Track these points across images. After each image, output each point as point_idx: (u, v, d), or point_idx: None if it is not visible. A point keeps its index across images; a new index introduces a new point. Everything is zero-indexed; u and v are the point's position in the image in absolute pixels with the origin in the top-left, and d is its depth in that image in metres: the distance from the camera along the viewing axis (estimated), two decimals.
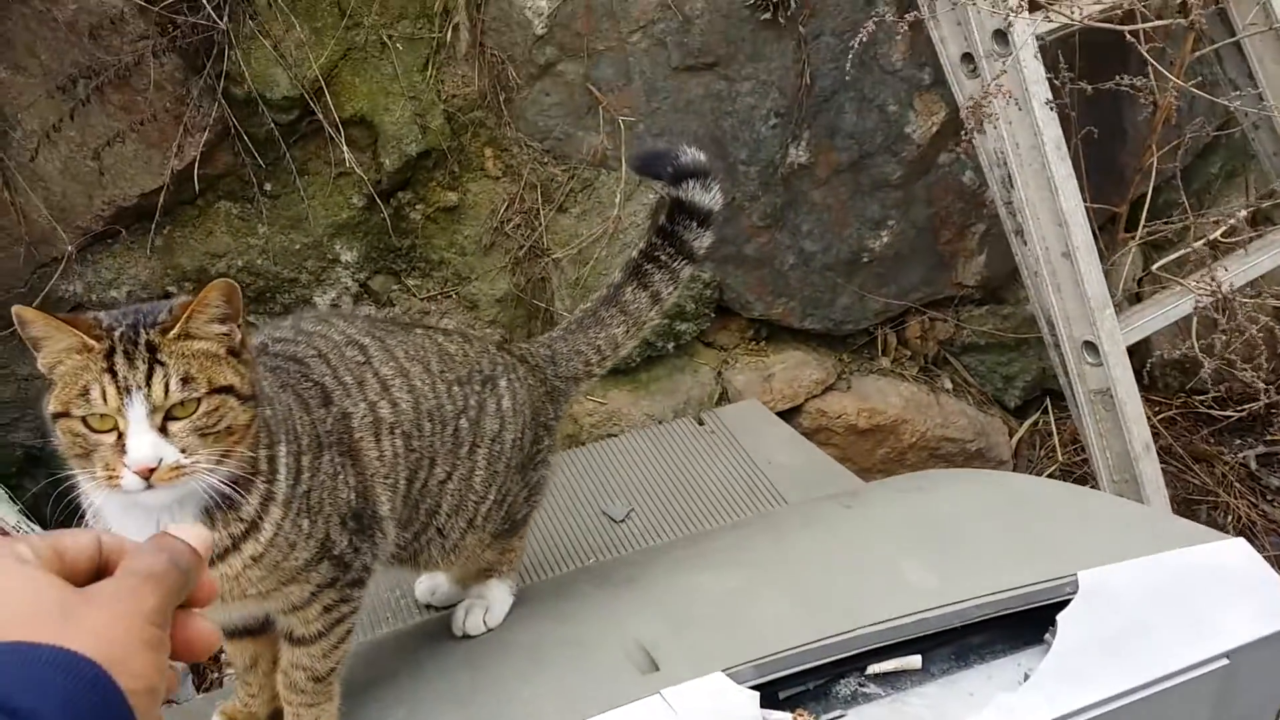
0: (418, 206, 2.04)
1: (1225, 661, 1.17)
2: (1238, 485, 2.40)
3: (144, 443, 0.90)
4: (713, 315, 2.25)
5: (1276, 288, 2.29)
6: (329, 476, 1.07)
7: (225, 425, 0.94)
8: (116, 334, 0.92)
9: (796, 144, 2.12)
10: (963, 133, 1.85)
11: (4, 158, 1.89)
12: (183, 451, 0.92)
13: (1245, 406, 2.50)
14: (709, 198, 1.40)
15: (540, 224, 2.09)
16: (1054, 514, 1.39)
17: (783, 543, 1.42)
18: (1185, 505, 2.40)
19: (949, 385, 2.44)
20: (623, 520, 1.59)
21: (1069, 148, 1.82)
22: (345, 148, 1.94)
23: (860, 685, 1.18)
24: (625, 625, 1.25)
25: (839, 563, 1.33)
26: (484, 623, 1.30)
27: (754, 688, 1.13)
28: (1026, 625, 1.20)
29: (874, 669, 1.18)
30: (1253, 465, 2.44)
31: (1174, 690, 1.15)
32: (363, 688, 1.21)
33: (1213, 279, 1.89)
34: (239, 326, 0.97)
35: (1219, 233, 1.99)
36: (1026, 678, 1.16)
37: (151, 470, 0.90)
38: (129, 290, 2.01)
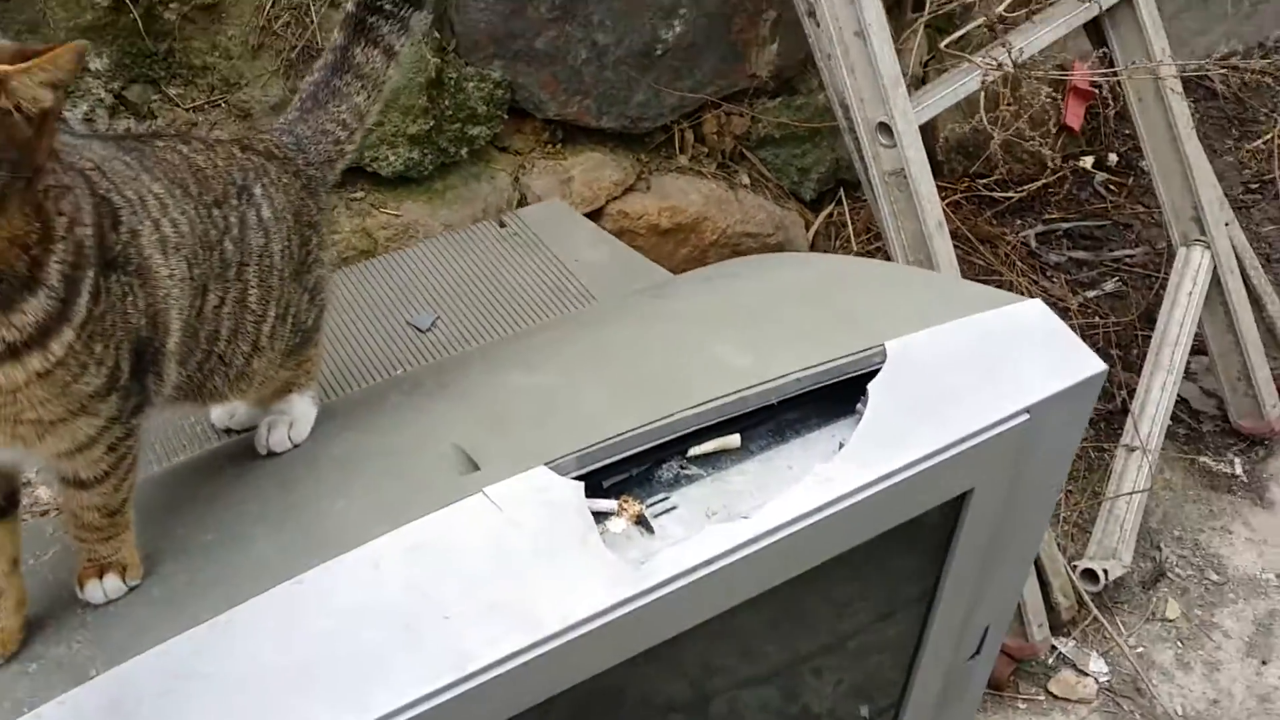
0: (171, 5, 1.86)
1: (1026, 417, 1.21)
2: (1019, 264, 2.51)
3: None
4: (505, 117, 2.16)
5: (1055, 60, 2.35)
6: (118, 299, 0.97)
7: None
8: None
9: None
10: None
11: None
12: None
13: (1025, 188, 2.60)
14: None
15: (312, 21, 1.94)
16: (860, 288, 1.41)
17: (596, 337, 1.39)
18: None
19: (746, 180, 2.43)
20: (429, 329, 1.53)
21: None
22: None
23: (682, 468, 1.18)
24: (441, 430, 1.21)
25: (653, 352, 1.32)
26: (289, 438, 1.23)
27: (578, 478, 1.11)
28: (839, 397, 1.21)
29: (694, 451, 1.18)
30: (1033, 244, 2.55)
31: (980, 447, 1.20)
32: (164, 516, 1.14)
33: (998, 53, 1.91)
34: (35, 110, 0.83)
35: (1002, 7, 2.00)
36: (841, 447, 1.18)
37: None
38: None
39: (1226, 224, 2.21)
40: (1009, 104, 2.45)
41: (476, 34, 2.06)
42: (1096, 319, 2.41)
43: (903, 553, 1.32)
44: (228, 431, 1.39)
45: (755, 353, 1.24)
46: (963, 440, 1.18)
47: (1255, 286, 2.26)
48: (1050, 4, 2.12)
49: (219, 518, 1.14)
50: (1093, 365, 1.25)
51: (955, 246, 2.51)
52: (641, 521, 1.12)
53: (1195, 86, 2.93)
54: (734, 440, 1.19)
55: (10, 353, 0.88)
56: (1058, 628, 1.98)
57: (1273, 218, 2.68)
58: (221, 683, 0.97)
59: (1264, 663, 1.99)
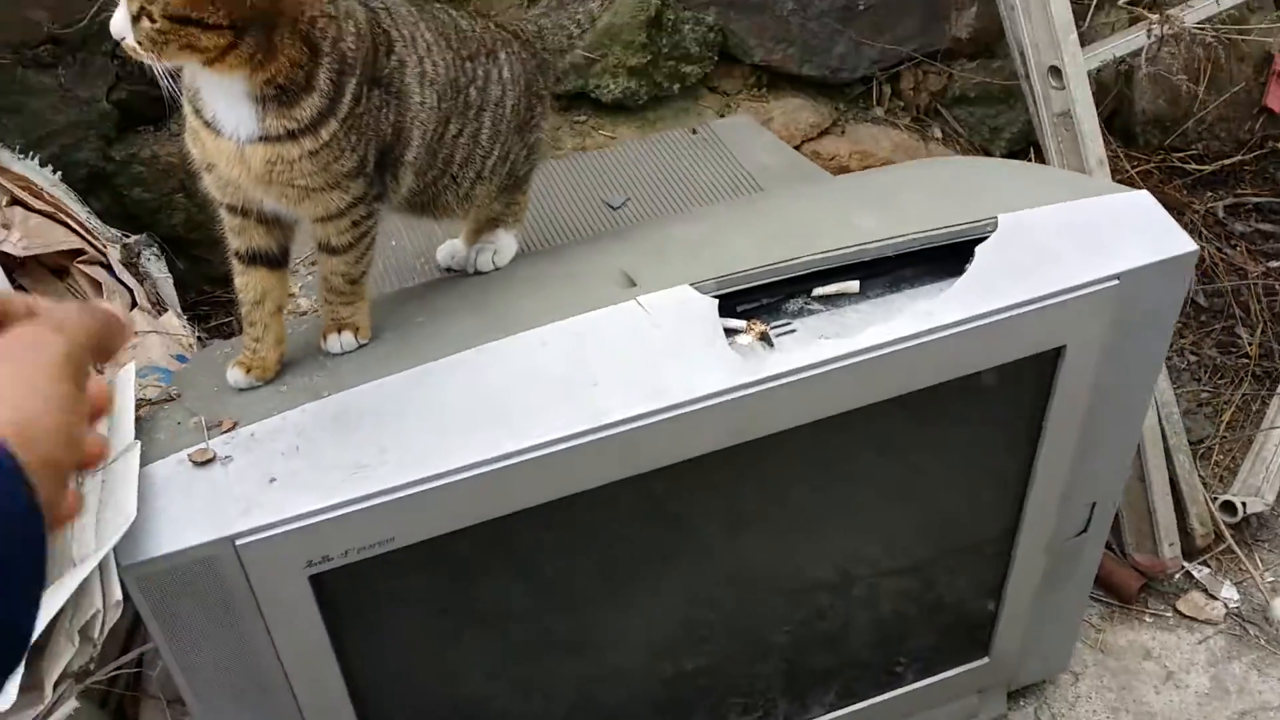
0: None
1: (1116, 282, 1.37)
2: (1204, 231, 2.57)
3: (117, 16, 1.10)
4: (715, 59, 2.41)
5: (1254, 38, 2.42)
6: (376, 108, 1.25)
7: (185, 44, 1.10)
8: None
9: None
10: None
11: None
12: (139, 43, 1.09)
13: (1219, 162, 2.66)
14: None
15: None
16: (990, 177, 1.58)
17: (753, 207, 1.63)
18: None
19: (939, 134, 2.60)
20: (619, 207, 1.79)
21: None
22: None
23: (806, 304, 1.39)
24: (611, 261, 1.46)
25: (796, 216, 1.54)
26: (492, 262, 1.51)
27: (715, 298, 1.35)
28: (951, 259, 1.40)
29: (818, 290, 1.39)
30: (1220, 214, 2.61)
31: (1071, 304, 1.36)
32: (392, 309, 1.43)
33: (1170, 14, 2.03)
34: None
35: None
36: None
37: (123, 37, 1.10)
38: None
39: None
40: (1207, 78, 2.55)
41: None
42: (1276, 286, 2.46)
43: (1002, 408, 1.49)
44: (448, 270, 1.69)
45: (882, 218, 1.44)
46: (1054, 295, 1.35)
47: None
48: None
49: (432, 309, 1.44)
50: (1184, 245, 1.39)
51: None
52: (764, 338, 1.34)
53: None
54: (853, 285, 1.40)
55: (290, 136, 1.19)
56: (1192, 554, 2.07)
57: None
58: (418, 409, 1.26)
59: None
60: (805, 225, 1.48)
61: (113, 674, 1.45)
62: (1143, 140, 2.73)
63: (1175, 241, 1.40)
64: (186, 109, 1.23)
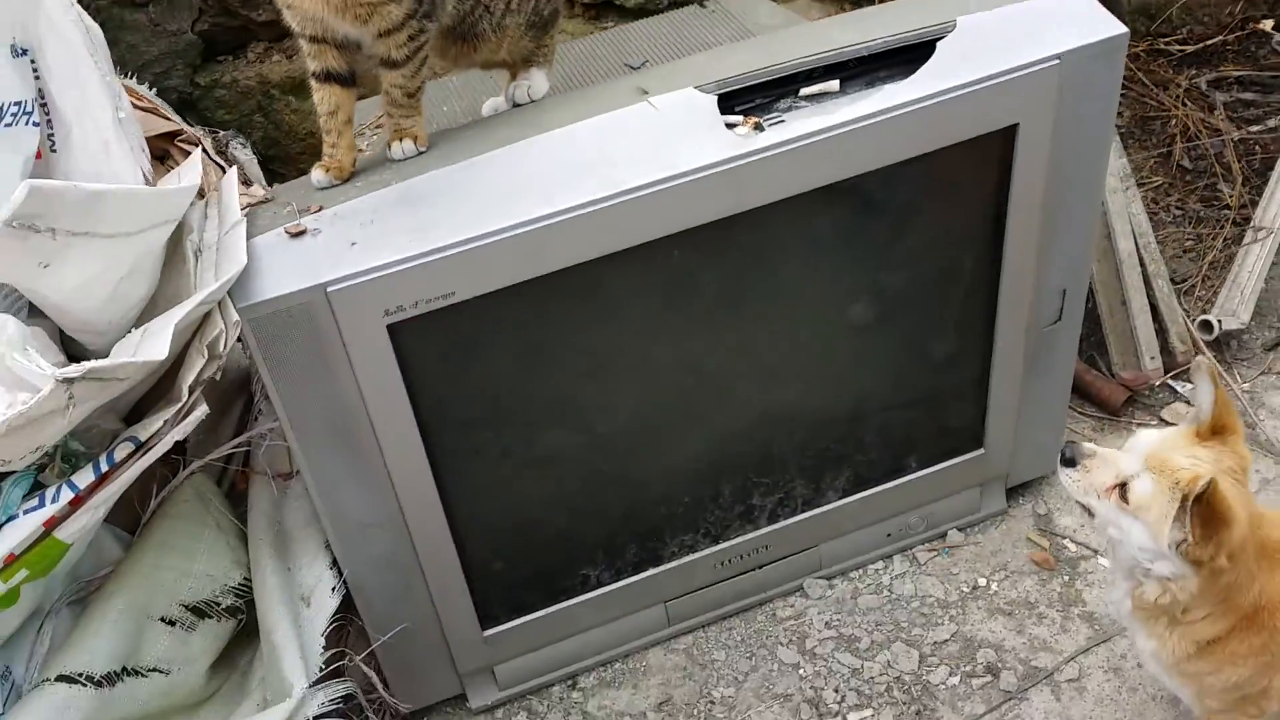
0: None
1: (1057, 61, 1.60)
2: (1189, 103, 2.78)
3: None
4: None
5: None
6: None
7: None
8: None
9: None
10: None
11: None
12: None
13: (1203, 43, 2.88)
14: None
15: None
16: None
17: (749, 40, 1.88)
18: (1142, 121, 2.79)
19: None
20: (639, 67, 2.04)
21: None
22: None
23: (794, 102, 1.63)
24: (628, 82, 1.71)
25: (786, 39, 1.79)
26: (528, 94, 1.77)
27: (716, 96, 1.60)
28: (918, 57, 1.64)
29: (804, 91, 1.63)
30: (1203, 87, 2.82)
31: (1019, 81, 1.60)
32: (444, 138, 1.69)
33: None
34: None
35: None
36: None
37: None
38: None
39: None
40: None
41: None
42: (1256, 148, 2.67)
43: (970, 187, 1.72)
44: None
45: (858, 31, 1.68)
46: (1004, 74, 1.59)
47: None
48: None
49: (480, 125, 1.71)
50: (1115, 28, 1.62)
51: (1130, 89, 2.82)
52: (758, 127, 1.59)
53: None
54: (834, 84, 1.64)
55: None
56: (1175, 372, 2.28)
57: None
58: (468, 189, 1.52)
59: None
60: (793, 43, 1.72)
61: (227, 455, 1.72)
62: (1131, 28, 2.93)
63: (1108, 26, 1.63)
64: None
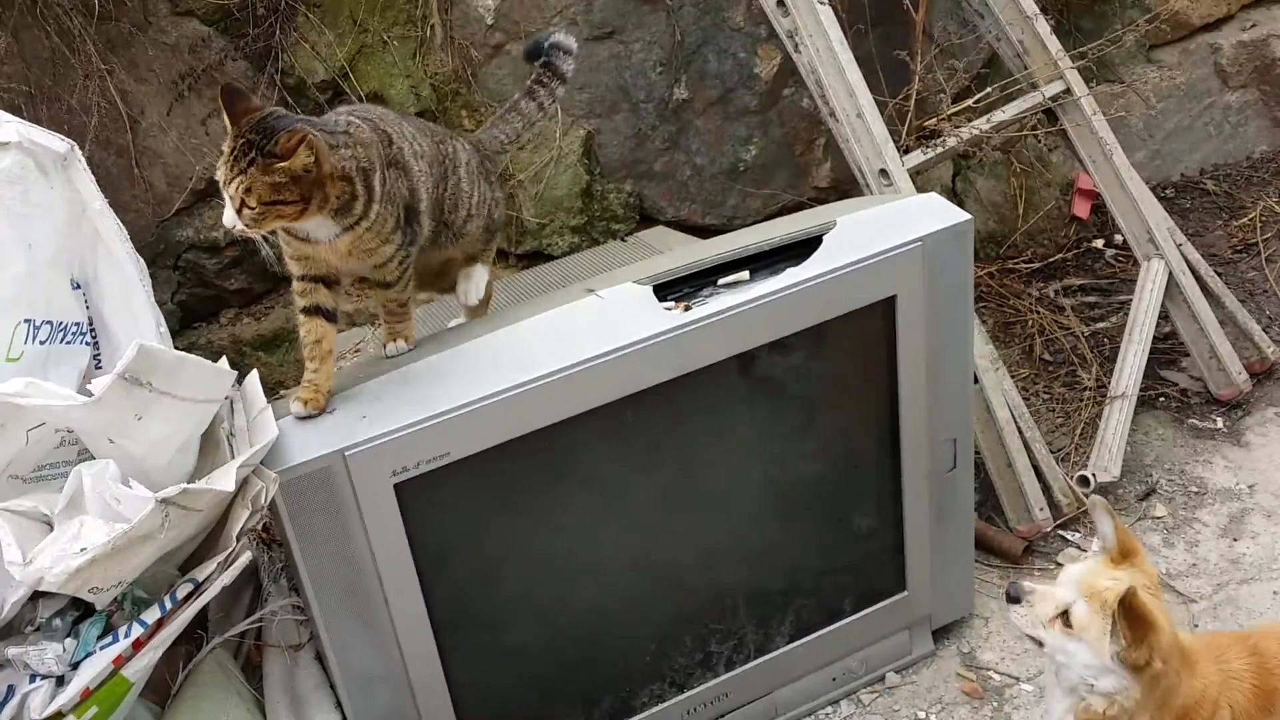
0: None
1: (919, 244, 2.01)
2: (1041, 310, 3.25)
3: (227, 212, 1.64)
4: (638, 218, 3.11)
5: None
6: (394, 181, 1.82)
7: (276, 216, 1.65)
8: (244, 134, 1.62)
9: (678, 85, 3.02)
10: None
11: (133, 143, 2.77)
12: (246, 225, 1.63)
13: (1045, 260, 3.39)
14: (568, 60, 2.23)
15: (506, 159, 2.97)
16: (840, 207, 2.23)
17: (671, 253, 2.28)
18: (1004, 326, 3.24)
19: None
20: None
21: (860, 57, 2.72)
22: None
23: (714, 290, 2.00)
24: (578, 286, 2.07)
25: (703, 249, 2.18)
26: (471, 281, 2.10)
27: (651, 287, 1.96)
28: (809, 250, 2.03)
29: (722, 280, 2.00)
30: (1052, 294, 3.30)
31: (892, 259, 1.99)
32: (429, 341, 2.01)
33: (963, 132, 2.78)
34: (304, 170, 1.62)
35: (972, 101, 2.88)
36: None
37: (234, 225, 1.64)
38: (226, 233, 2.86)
39: (1179, 244, 2.92)
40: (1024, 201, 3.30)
41: (612, 160, 3.06)
42: (1105, 340, 3.12)
43: (864, 349, 2.08)
44: None
45: (761, 235, 2.08)
46: (878, 254, 1.98)
47: (1214, 290, 2.94)
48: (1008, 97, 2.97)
49: (459, 328, 2.04)
50: (962, 216, 2.04)
51: (987, 304, 3.29)
52: (687, 309, 1.95)
53: (1192, 188, 3.70)
54: (744, 274, 2.01)
55: (356, 224, 1.75)
56: (1065, 524, 2.61)
57: (1255, 267, 3.37)
58: (455, 369, 1.84)
59: (1235, 540, 2.55)
60: (710, 248, 2.11)
61: (242, 632, 1.93)
62: (981, 254, 3.44)
63: (956, 216, 2.05)
64: (281, 237, 1.79)
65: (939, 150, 2.84)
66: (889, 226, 2.05)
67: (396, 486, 1.76)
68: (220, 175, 1.64)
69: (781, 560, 2.19)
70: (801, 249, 2.03)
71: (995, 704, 2.30)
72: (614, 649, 2.10)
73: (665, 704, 2.14)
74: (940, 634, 2.44)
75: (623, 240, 2.61)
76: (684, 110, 3.06)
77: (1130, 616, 1.62)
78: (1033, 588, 1.76)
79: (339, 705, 1.90)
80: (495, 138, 2.20)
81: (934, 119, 2.90)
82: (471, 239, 2.07)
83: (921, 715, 2.30)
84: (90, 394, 1.39)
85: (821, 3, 2.65)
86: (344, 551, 1.76)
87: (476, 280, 2.11)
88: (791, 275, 1.96)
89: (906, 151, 2.79)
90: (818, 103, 2.83)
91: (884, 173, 2.70)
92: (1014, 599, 1.76)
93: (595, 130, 3.03)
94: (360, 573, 1.79)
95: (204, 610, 1.79)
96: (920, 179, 2.77)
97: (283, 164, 1.61)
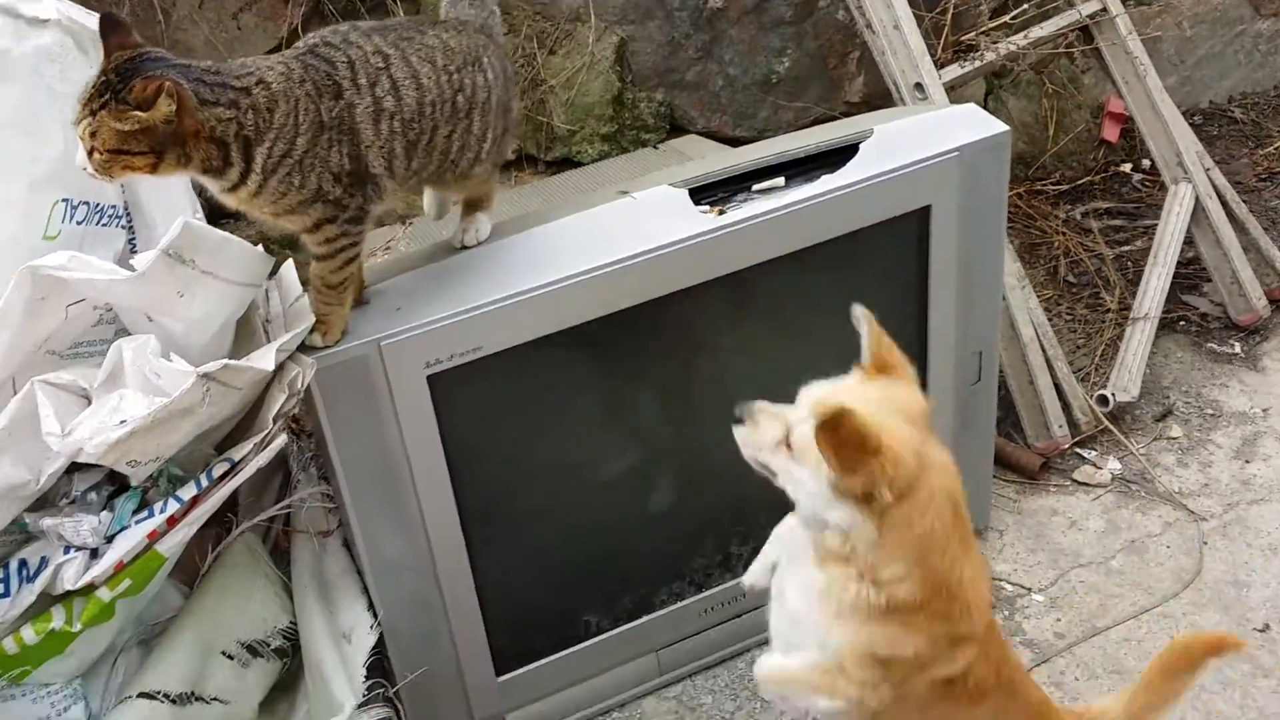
0: None
1: (957, 154, 2.00)
2: (1067, 232, 3.24)
3: (79, 153, 1.46)
4: (668, 128, 3.09)
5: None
6: (325, 147, 1.56)
7: (124, 166, 1.45)
8: (106, 73, 1.44)
9: None
10: None
11: (164, 35, 2.75)
12: (95, 171, 1.47)
13: (1074, 183, 3.36)
14: None
15: (538, 63, 2.95)
16: (875, 117, 2.22)
17: (704, 158, 2.27)
18: (1030, 248, 3.23)
19: None
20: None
21: None
22: (400, 15, 2.81)
23: (748, 196, 2.00)
24: (611, 188, 2.07)
25: (740, 152, 2.17)
26: (476, 237, 1.89)
27: (685, 190, 1.96)
28: (845, 158, 2.02)
29: (756, 186, 2.00)
30: (1078, 216, 3.28)
31: (928, 169, 1.98)
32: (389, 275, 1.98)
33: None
34: (164, 122, 1.43)
35: (1009, 16, 2.85)
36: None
37: (84, 168, 1.46)
38: None
39: (1207, 169, 2.91)
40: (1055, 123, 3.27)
41: (645, 69, 3.03)
42: (1128, 263, 3.11)
43: (898, 258, 2.08)
44: None
45: (797, 143, 2.07)
46: (915, 164, 1.97)
47: (1239, 216, 2.93)
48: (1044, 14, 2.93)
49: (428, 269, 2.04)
50: (1000, 127, 2.03)
51: (1015, 224, 3.27)
52: (721, 213, 1.94)
53: (1220, 116, 3.67)
54: (779, 180, 2.01)
55: (232, 189, 1.55)
56: (1082, 442, 2.63)
57: (1279, 196, 3.36)
58: (488, 265, 1.84)
59: (1247, 462, 2.57)
60: (744, 154, 2.10)
61: (271, 517, 1.96)
62: (1010, 176, 3.41)
63: (994, 127, 2.04)
64: None
65: (976, 65, 2.81)
66: (926, 136, 2.04)
67: (429, 378, 1.77)
68: (73, 113, 1.47)
69: None
70: (837, 156, 2.02)
71: (1006, 613, 2.33)
72: (636, 548, 2.13)
73: (684, 602, 2.18)
74: None
75: (655, 148, 2.60)
76: (718, 19, 3.02)
77: (837, 438, 1.36)
78: (765, 406, 1.53)
79: (365, 591, 1.93)
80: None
81: (971, 33, 2.87)
82: (477, 181, 1.85)
83: None
84: (133, 269, 1.40)
85: None
86: (376, 440, 1.78)
87: (479, 228, 1.90)
88: (827, 182, 1.95)
89: (942, 66, 2.76)
90: (854, 14, 2.80)
91: (919, 86, 2.68)
92: (738, 420, 1.53)
93: (628, 37, 3.00)
94: (391, 462, 1.81)
95: (234, 495, 1.81)
96: (953, 95, 2.74)
97: (136, 112, 1.43)
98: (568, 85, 2.97)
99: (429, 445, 1.81)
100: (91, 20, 1.66)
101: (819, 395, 1.49)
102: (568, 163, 3.03)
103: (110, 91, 1.44)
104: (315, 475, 2.04)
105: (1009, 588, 2.38)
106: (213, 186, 1.56)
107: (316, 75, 1.57)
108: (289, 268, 1.83)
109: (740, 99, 3.11)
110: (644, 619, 2.15)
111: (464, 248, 1.89)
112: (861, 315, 1.56)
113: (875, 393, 1.48)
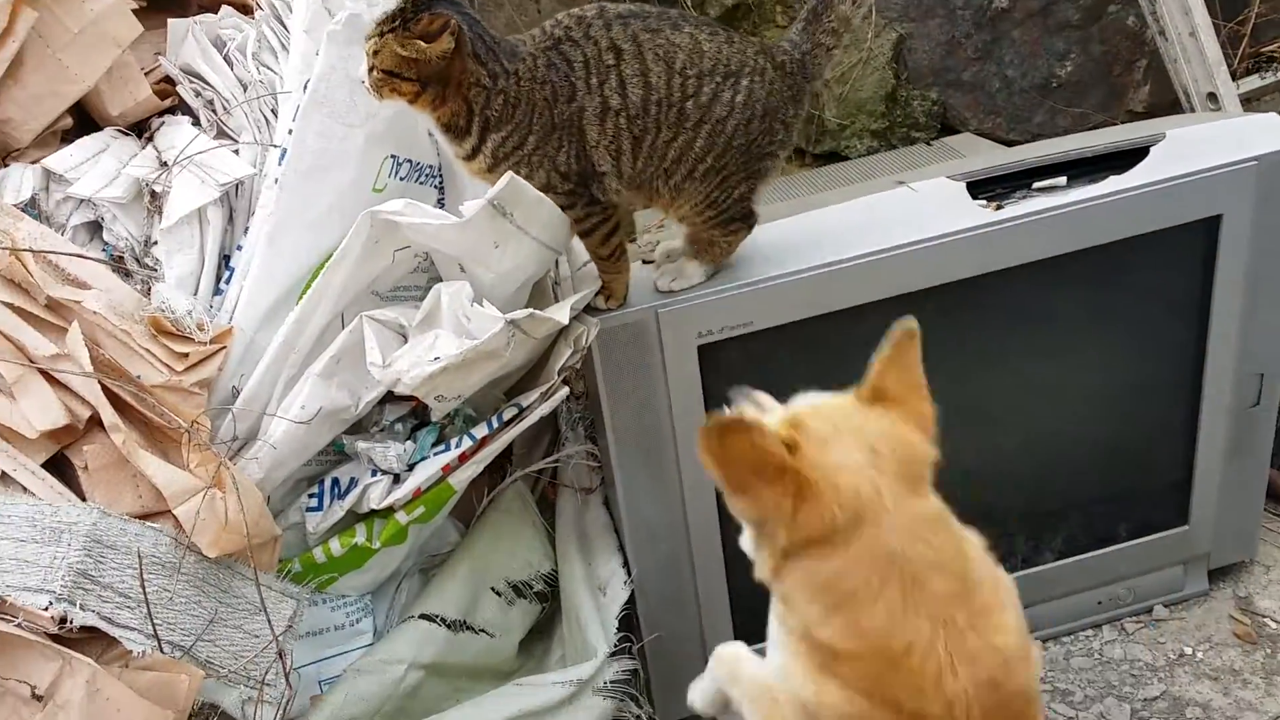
0: None
1: (1255, 163, 1.93)
2: None
3: (360, 68, 1.59)
4: (939, 128, 3.09)
5: None
6: (554, 148, 1.61)
7: (391, 89, 1.56)
8: (397, 8, 1.55)
9: None
10: None
11: None
12: (370, 87, 1.57)
13: None
14: None
15: None
16: (1168, 121, 2.16)
17: (981, 153, 2.27)
18: None
19: None
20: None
21: None
22: (686, 3, 2.91)
23: (1028, 193, 1.99)
24: (888, 179, 2.10)
25: (1019, 150, 2.16)
26: (670, 283, 1.81)
27: (964, 183, 1.97)
28: (1133, 161, 1.98)
29: (1037, 184, 1.99)
30: None
31: (1221, 177, 1.92)
32: None
33: None
34: (439, 57, 1.53)
35: None
36: None
37: (362, 81, 1.59)
38: None
39: None
40: None
41: (921, 66, 3.03)
42: None
43: (1183, 267, 2.01)
44: None
45: (1082, 143, 2.05)
46: (1210, 170, 1.92)
47: None
48: None
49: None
50: None
51: None
52: (999, 208, 1.94)
53: None
54: (1061, 180, 1.99)
55: (465, 158, 1.65)
56: None
57: None
58: (763, 245, 1.90)
59: None
60: (1026, 152, 2.09)
61: (539, 469, 2.08)
62: None
63: None
64: None
65: (1276, 77, 2.69)
66: (1222, 143, 1.98)
67: (700, 348, 1.85)
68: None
69: (1061, 477, 2.18)
70: (1125, 159, 1.98)
71: (1268, 650, 2.23)
72: None
73: None
74: (1216, 575, 2.37)
75: (927, 144, 2.60)
76: (1001, 20, 2.99)
77: (723, 452, 1.21)
78: (754, 399, 1.42)
79: (621, 549, 2.03)
80: (817, 45, 1.75)
81: (1272, 45, 2.74)
82: (689, 209, 1.73)
83: (1188, 651, 2.26)
84: (460, 217, 1.53)
85: None
86: (646, 403, 1.87)
87: (683, 274, 1.81)
88: (1114, 183, 1.92)
89: (1238, 76, 2.65)
90: (1147, 19, 2.73)
91: (1212, 96, 2.58)
92: (728, 401, 1.41)
93: (907, 34, 3.01)
94: (658, 425, 1.89)
95: (509, 447, 1.94)
96: (1247, 108, 2.63)
97: (418, 42, 1.53)
98: (842, 80, 3.01)
99: (694, 413, 1.89)
100: None
101: (799, 405, 1.35)
102: (835, 156, 3.06)
103: (401, 19, 1.54)
104: (582, 435, 2.15)
105: (1273, 625, 2.28)
106: (450, 150, 1.65)
107: (556, 76, 1.61)
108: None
109: (1017, 101, 3.07)
110: None
111: (656, 289, 1.82)
112: (899, 332, 1.37)
113: (853, 420, 1.31)
